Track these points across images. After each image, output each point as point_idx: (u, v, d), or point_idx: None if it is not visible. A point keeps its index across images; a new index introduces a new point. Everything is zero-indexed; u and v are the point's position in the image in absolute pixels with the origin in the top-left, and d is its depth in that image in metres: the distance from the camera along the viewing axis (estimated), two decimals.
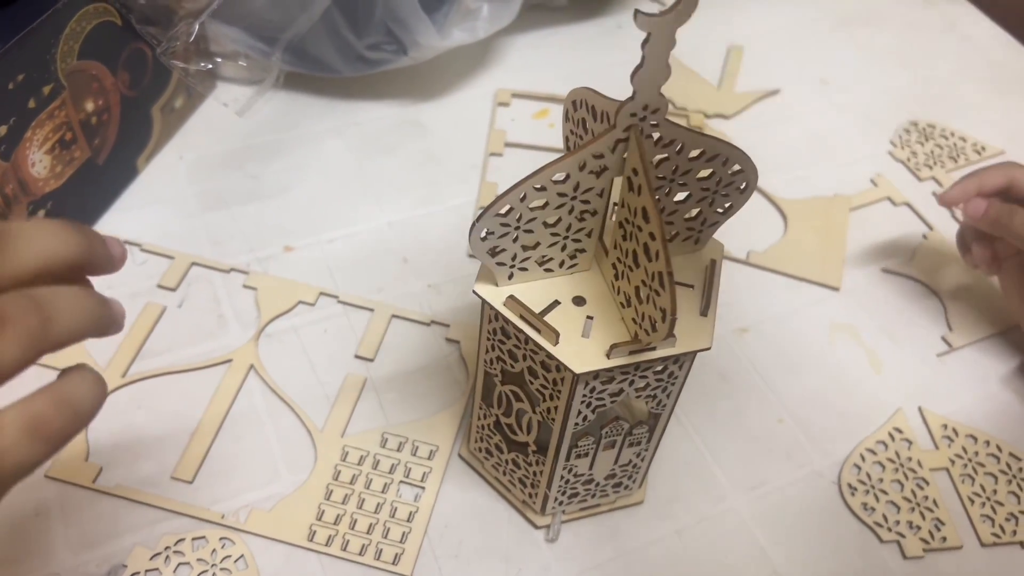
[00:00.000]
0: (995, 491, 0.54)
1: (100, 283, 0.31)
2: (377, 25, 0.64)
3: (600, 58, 0.79)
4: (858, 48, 0.85)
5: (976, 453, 0.55)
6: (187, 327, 0.57)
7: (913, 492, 0.53)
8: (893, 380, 0.59)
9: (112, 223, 0.62)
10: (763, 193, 0.70)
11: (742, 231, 0.67)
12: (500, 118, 0.73)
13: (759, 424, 0.56)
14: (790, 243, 0.67)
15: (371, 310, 0.59)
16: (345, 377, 0.56)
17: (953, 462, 0.55)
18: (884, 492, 0.53)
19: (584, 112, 0.41)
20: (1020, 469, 0.55)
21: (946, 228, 0.69)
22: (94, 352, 0.55)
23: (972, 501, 0.53)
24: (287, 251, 0.62)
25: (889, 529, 0.52)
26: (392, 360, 0.57)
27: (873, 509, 0.52)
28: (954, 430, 0.56)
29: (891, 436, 0.56)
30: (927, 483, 0.54)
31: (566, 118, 0.43)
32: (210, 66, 0.54)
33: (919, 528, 0.52)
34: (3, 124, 0.50)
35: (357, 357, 0.57)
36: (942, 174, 0.73)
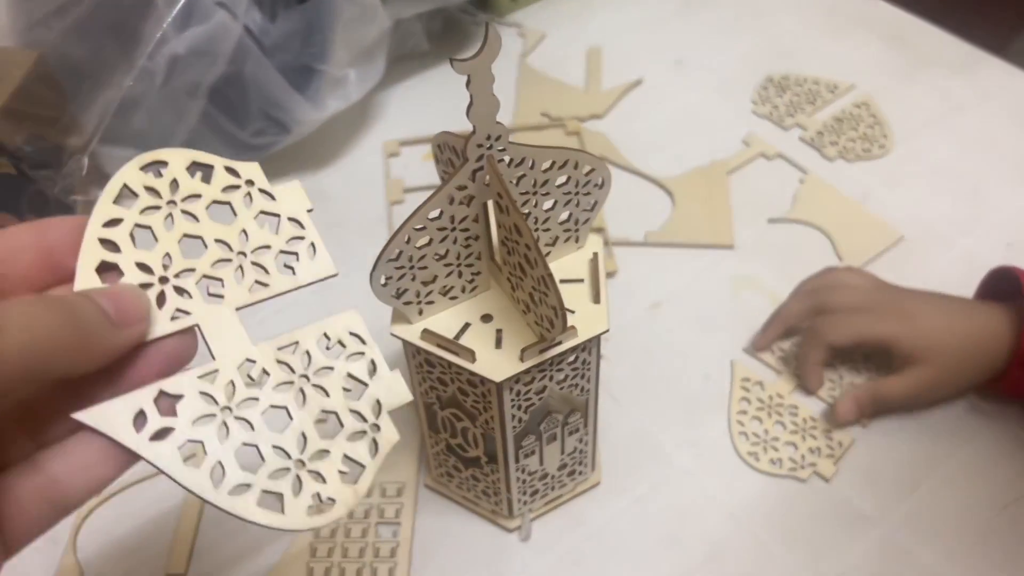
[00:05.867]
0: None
1: None
2: (255, 113, 0.68)
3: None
4: (704, 25, 0.91)
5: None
6: None
7: (794, 423, 0.58)
8: None
9: None
10: (647, 176, 0.75)
11: (636, 216, 0.72)
12: (394, 168, 0.78)
13: (688, 385, 0.61)
14: (680, 216, 0.72)
15: None
16: None
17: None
18: (776, 439, 0.58)
19: (449, 153, 0.45)
20: None
21: (819, 169, 0.75)
22: None
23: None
24: None
25: (803, 467, 0.56)
26: None
27: (780, 461, 0.56)
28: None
29: (745, 388, 0.60)
30: (796, 407, 0.59)
31: (437, 161, 0.48)
32: None
33: (819, 449, 0.57)
34: None
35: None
36: (804, 119, 0.80)
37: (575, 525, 0.55)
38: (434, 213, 0.41)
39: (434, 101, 0.84)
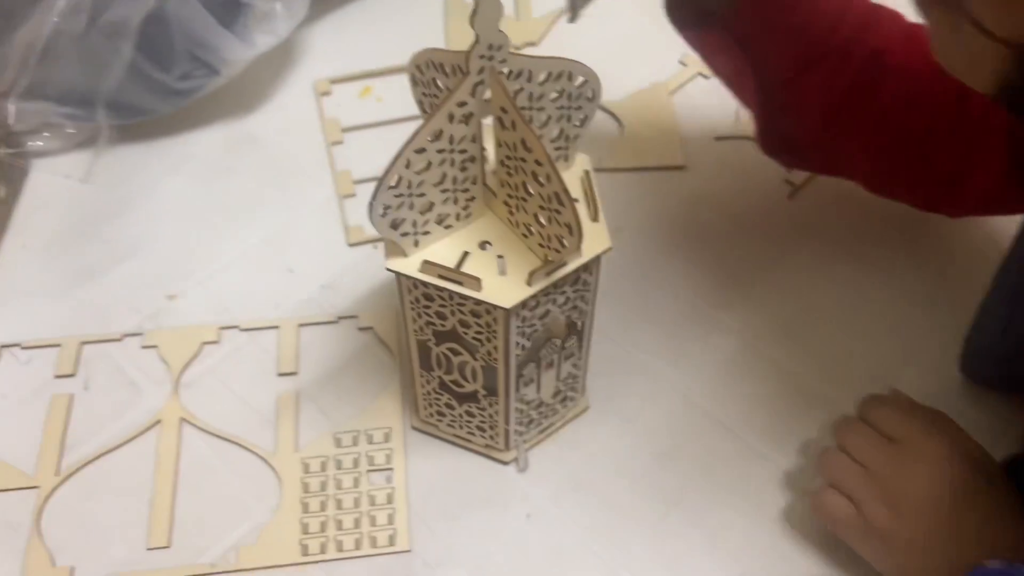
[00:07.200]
0: None
1: None
2: (180, 55, 0.63)
3: (398, 20, 0.80)
4: None
5: None
6: (102, 405, 0.56)
7: None
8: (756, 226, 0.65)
9: None
10: None
11: (585, 143, 0.71)
12: (328, 107, 0.74)
13: (660, 305, 0.61)
14: (629, 140, 0.71)
15: (276, 327, 0.60)
16: (277, 398, 0.56)
17: None
18: None
19: (432, 72, 0.43)
20: None
21: None
22: (17, 459, 0.53)
23: None
24: (172, 300, 0.61)
25: None
26: (316, 366, 0.58)
27: None
28: None
29: None
30: None
31: (414, 83, 0.45)
32: (40, 143, 0.52)
33: None
34: None
35: (281, 375, 0.57)
36: None
37: (569, 450, 0.54)
38: (433, 134, 0.39)
39: (361, 36, 0.80)
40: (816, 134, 0.56)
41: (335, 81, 0.75)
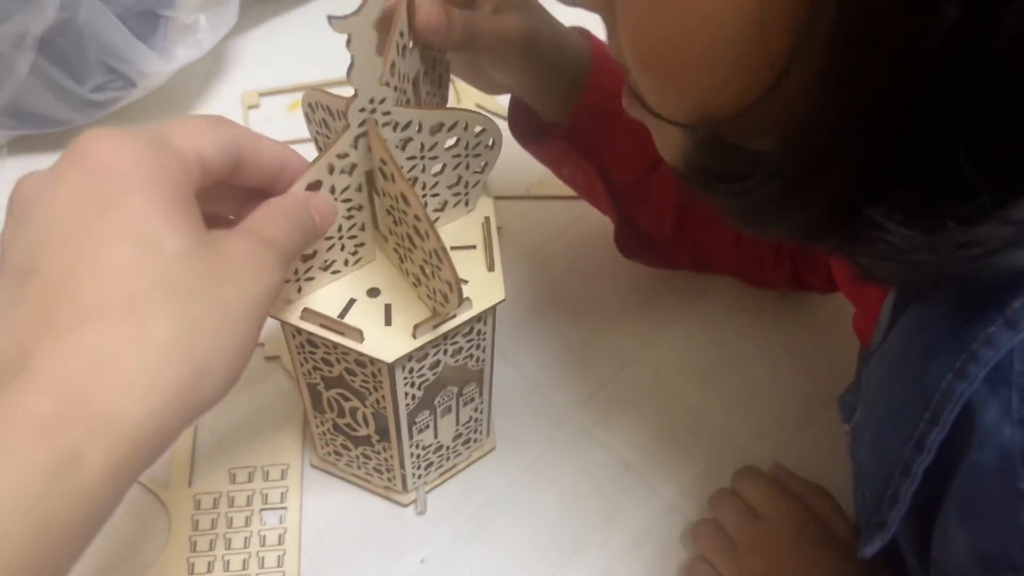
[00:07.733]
0: None
1: None
2: (95, 66, 0.61)
3: (331, 31, 0.78)
4: None
5: None
6: None
7: None
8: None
9: None
10: None
11: (516, 167, 0.70)
12: (256, 121, 0.72)
13: (576, 337, 0.60)
14: None
15: None
16: None
17: None
18: None
19: (323, 113, 0.41)
20: None
21: None
22: None
23: None
24: None
25: None
26: None
27: None
28: None
29: None
30: None
31: (308, 120, 0.44)
32: None
33: None
34: None
35: None
36: None
37: (472, 492, 0.53)
38: (312, 185, 0.38)
39: (293, 47, 0.78)
40: (674, 231, 0.56)
41: (264, 94, 0.74)
